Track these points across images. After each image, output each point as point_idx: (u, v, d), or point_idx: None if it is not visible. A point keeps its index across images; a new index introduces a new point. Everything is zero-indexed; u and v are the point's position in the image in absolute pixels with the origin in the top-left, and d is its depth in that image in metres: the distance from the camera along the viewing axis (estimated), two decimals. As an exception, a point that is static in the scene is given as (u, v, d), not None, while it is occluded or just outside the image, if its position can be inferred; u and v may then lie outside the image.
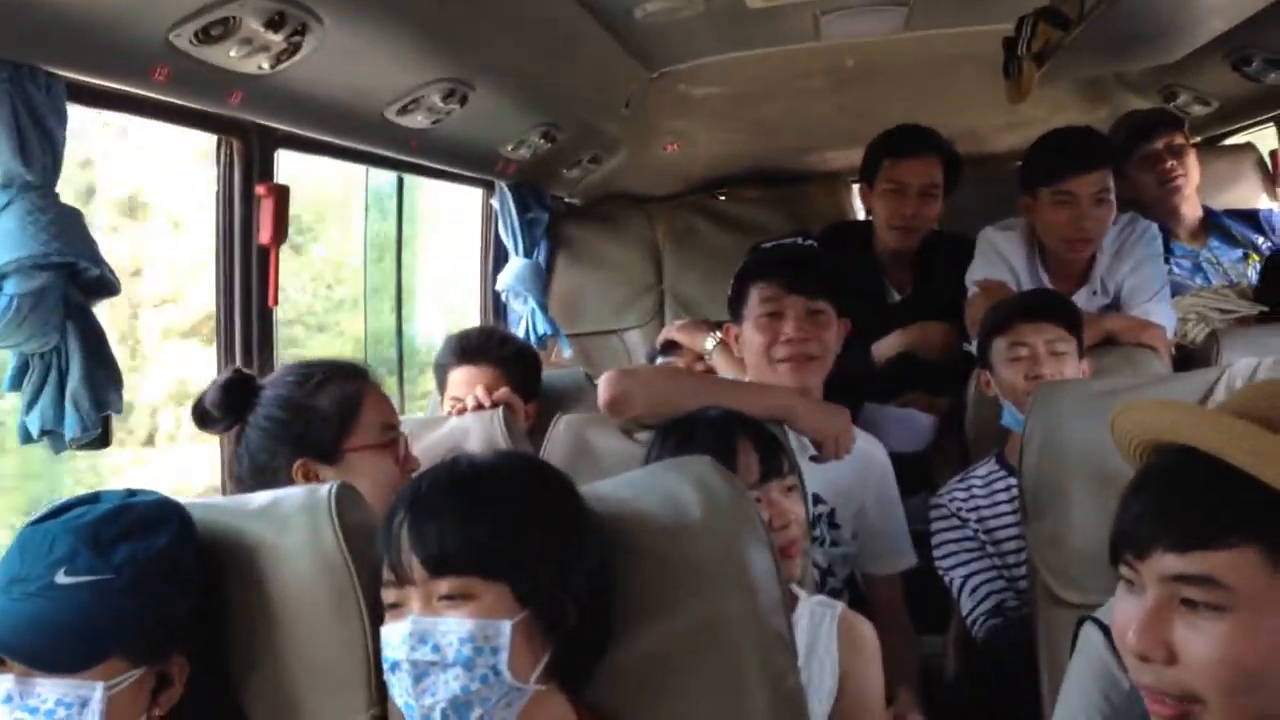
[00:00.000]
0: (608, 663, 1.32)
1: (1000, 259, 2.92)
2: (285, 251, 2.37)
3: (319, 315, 3.86)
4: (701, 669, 1.31)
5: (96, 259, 1.73)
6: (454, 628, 1.18)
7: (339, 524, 1.38)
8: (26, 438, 1.76)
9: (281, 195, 2.29)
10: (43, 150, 1.63)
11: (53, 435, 1.76)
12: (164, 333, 3.19)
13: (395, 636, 1.21)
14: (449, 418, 2.29)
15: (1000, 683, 2.12)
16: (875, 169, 3.15)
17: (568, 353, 3.86)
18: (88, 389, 1.72)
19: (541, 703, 1.24)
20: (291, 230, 2.35)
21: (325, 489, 1.42)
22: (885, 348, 2.99)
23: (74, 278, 1.72)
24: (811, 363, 2.34)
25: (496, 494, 1.25)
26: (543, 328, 3.81)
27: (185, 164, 2.79)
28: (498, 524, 1.22)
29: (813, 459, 2.15)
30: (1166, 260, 3.18)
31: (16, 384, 1.75)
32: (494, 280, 3.84)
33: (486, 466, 1.29)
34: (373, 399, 1.82)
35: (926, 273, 3.20)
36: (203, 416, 1.79)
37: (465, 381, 2.48)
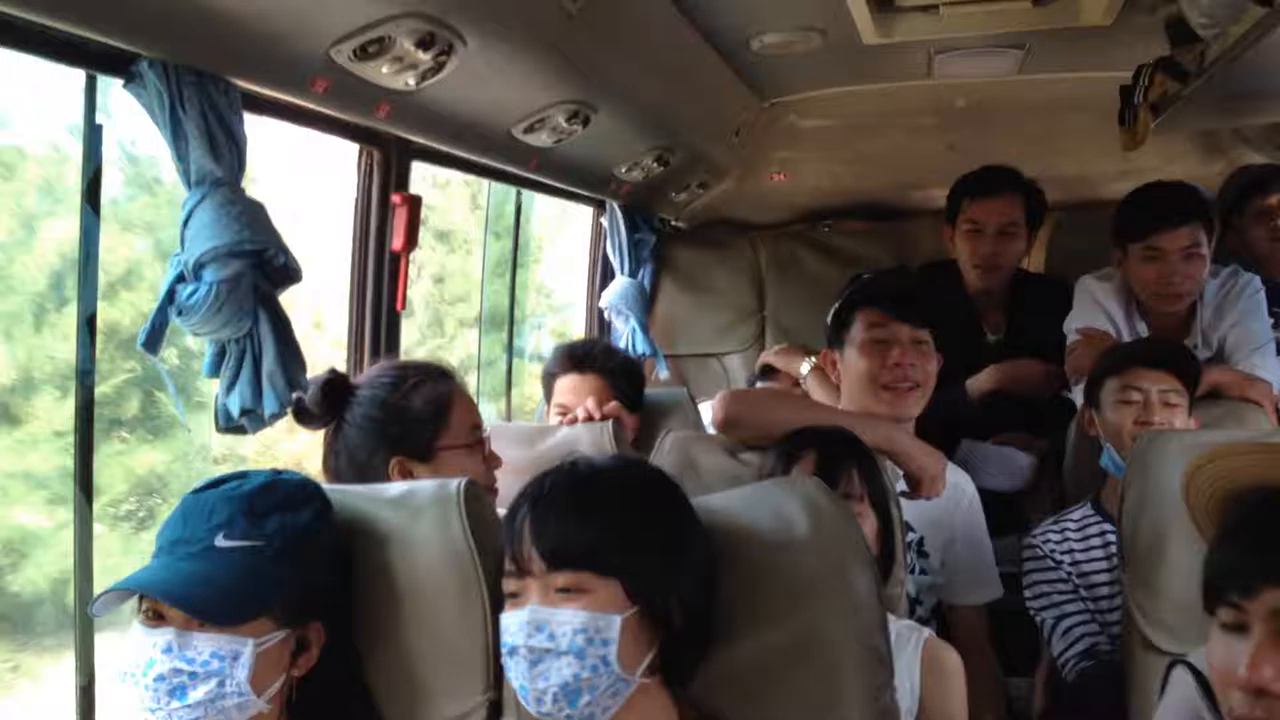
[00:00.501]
0: (712, 666, 1.39)
1: (1099, 308, 2.93)
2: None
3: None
4: (801, 679, 1.38)
5: (283, 247, 1.86)
6: (569, 619, 1.26)
7: (466, 516, 1.47)
8: (228, 419, 1.89)
9: (414, 205, 2.40)
10: (229, 149, 1.75)
11: (250, 415, 1.88)
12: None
13: (514, 624, 1.28)
14: (559, 427, 2.38)
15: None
16: (956, 209, 3.20)
17: (664, 374, 3.94)
18: (281, 370, 1.85)
19: (646, 695, 1.31)
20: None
21: (455, 484, 1.52)
22: (981, 382, 3.02)
23: (262, 266, 1.85)
24: (915, 391, 2.40)
25: (614, 495, 1.33)
26: (642, 347, 3.89)
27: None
28: (614, 524, 1.30)
29: (903, 494, 2.20)
30: (1277, 315, 3.16)
31: (215, 370, 1.87)
32: (598, 298, 3.94)
33: (605, 469, 1.38)
34: (461, 400, 1.91)
35: (1019, 312, 3.22)
36: (301, 414, 1.89)
37: (572, 389, 2.57)
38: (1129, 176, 3.90)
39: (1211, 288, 2.91)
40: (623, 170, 3.41)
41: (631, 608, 1.28)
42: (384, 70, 1.96)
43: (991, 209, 3.16)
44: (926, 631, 1.95)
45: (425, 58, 1.98)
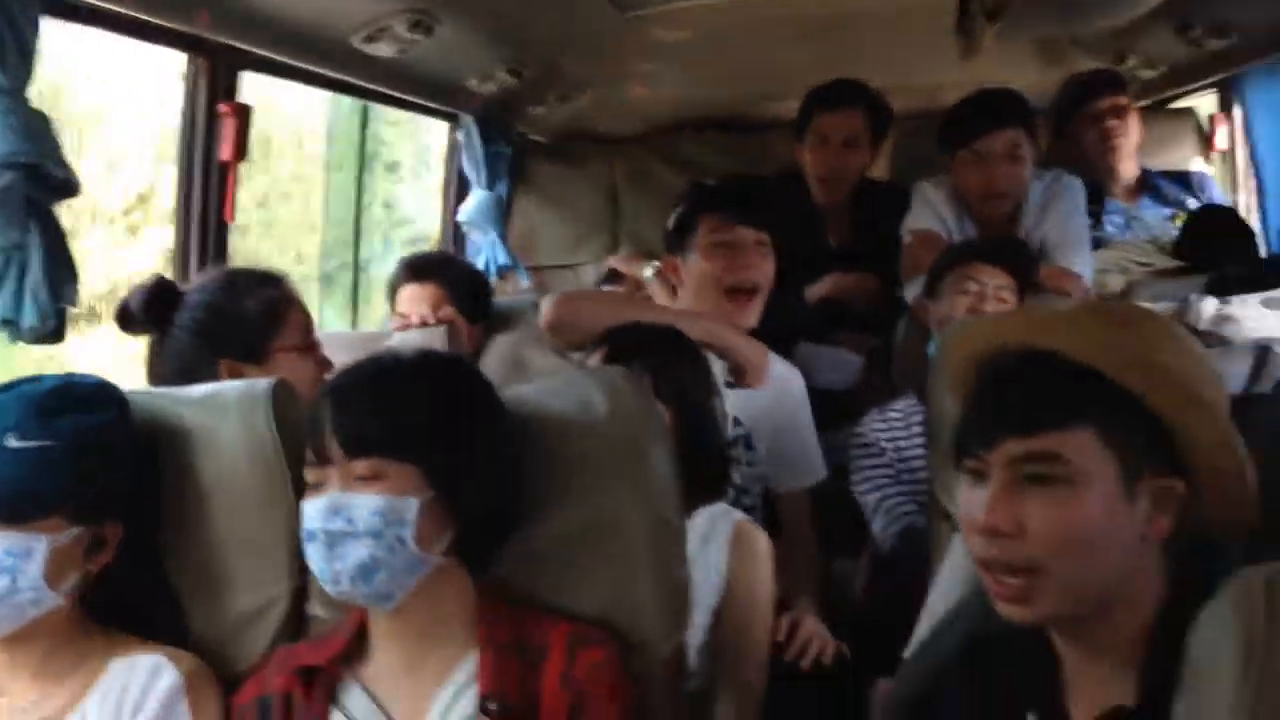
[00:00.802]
0: (515, 547, 1.45)
1: (932, 211, 3.06)
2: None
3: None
4: (599, 554, 1.45)
5: (61, 161, 1.83)
6: (366, 502, 1.31)
7: (274, 414, 1.51)
8: None
9: (243, 114, 2.39)
10: (16, 57, 1.72)
11: (9, 325, 1.86)
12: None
13: (313, 509, 1.33)
14: (391, 334, 2.41)
15: (902, 596, 2.28)
16: (806, 121, 3.28)
17: (526, 283, 3.98)
18: (47, 283, 1.83)
19: (443, 575, 1.37)
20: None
21: (264, 383, 1.55)
22: (818, 291, 3.13)
23: (39, 179, 1.82)
24: (756, 296, 2.49)
25: (412, 384, 1.38)
26: (503, 259, 3.92)
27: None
28: (410, 410, 1.35)
29: (728, 384, 2.29)
30: (1101, 216, 3.33)
31: None
32: (455, 212, 3.95)
33: (407, 361, 1.42)
34: (295, 304, 1.93)
35: (862, 221, 3.33)
36: (126, 318, 1.88)
37: (412, 298, 2.60)
38: (975, 84, 4.02)
39: (1036, 190, 3.05)
40: (474, 83, 3.40)
41: (429, 492, 1.33)
42: (199, -28, 1.95)
43: (835, 122, 3.25)
44: (737, 515, 2.03)
45: (245, -39, 1.97)
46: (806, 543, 2.50)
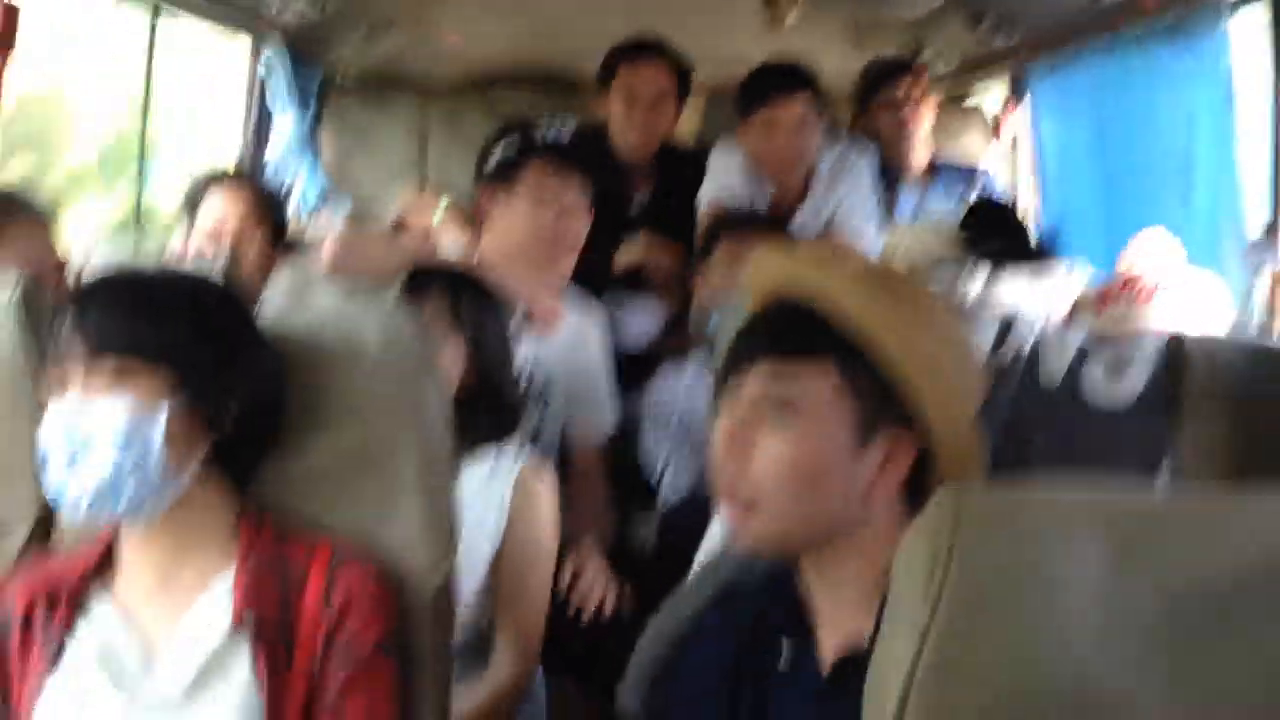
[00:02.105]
0: (280, 468, 1.42)
1: (726, 177, 3.12)
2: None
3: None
4: (366, 482, 1.43)
5: None
6: (112, 406, 1.23)
7: (23, 320, 1.42)
8: None
9: (10, 13, 2.22)
10: None
11: None
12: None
13: (53, 416, 1.25)
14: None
15: (686, 555, 2.33)
16: (611, 74, 3.27)
17: (341, 214, 3.84)
18: None
19: (198, 494, 1.32)
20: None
21: (9, 290, 1.45)
22: (624, 259, 3.15)
23: None
24: (573, 251, 2.52)
25: (163, 289, 1.31)
26: (321, 184, 3.78)
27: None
28: (160, 313, 1.28)
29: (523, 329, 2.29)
30: (892, 201, 3.46)
31: None
32: (256, 141, 3.78)
33: (159, 270, 1.36)
34: (18, 234, 1.85)
35: (664, 180, 3.35)
36: None
37: (218, 206, 2.49)
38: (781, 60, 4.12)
39: (828, 160, 3.15)
40: (274, 8, 3.26)
41: (179, 399, 1.27)
42: None
43: (645, 77, 3.24)
44: (524, 458, 2.03)
45: None
46: (595, 487, 2.54)
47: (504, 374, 2.08)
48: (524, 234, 2.48)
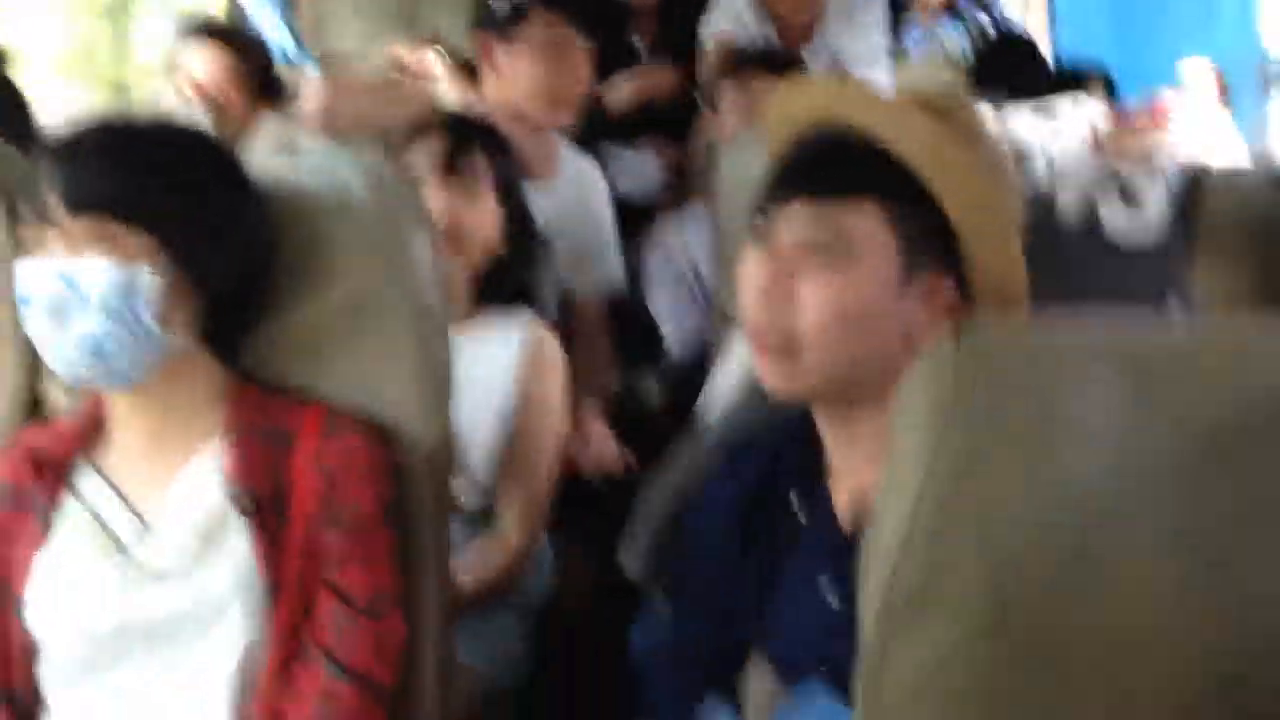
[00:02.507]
0: (271, 331, 1.37)
1: (731, 11, 3.01)
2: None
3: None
4: (357, 338, 1.38)
5: None
6: (94, 267, 1.18)
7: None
8: None
9: None
10: None
11: None
12: None
13: (31, 270, 1.20)
14: None
15: (691, 404, 2.31)
16: None
17: (311, 70, 3.71)
18: None
19: (188, 357, 1.28)
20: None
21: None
22: (616, 93, 3.05)
23: None
24: (577, 104, 2.45)
25: (147, 143, 1.25)
26: (290, 46, 3.64)
27: None
28: (145, 169, 1.22)
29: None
30: (900, 34, 3.34)
31: None
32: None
33: (141, 120, 1.30)
34: None
35: (669, 20, 3.24)
36: None
37: (197, 60, 2.41)
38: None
39: None
40: None
41: (164, 261, 1.22)
42: None
43: None
44: (533, 322, 2.00)
45: None
46: (599, 348, 2.49)
47: (532, 232, 2.04)
48: (526, 89, 2.40)
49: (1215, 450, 0.64)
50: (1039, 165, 1.46)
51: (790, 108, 1.26)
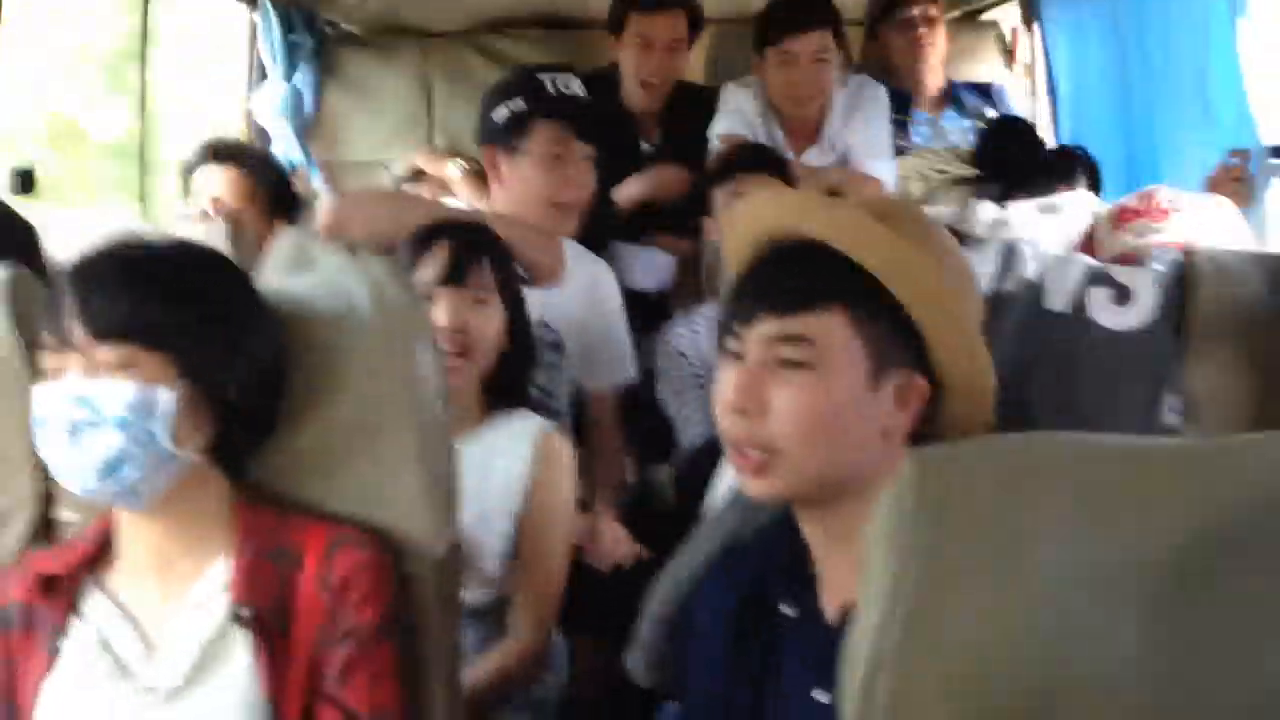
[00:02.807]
0: (278, 448, 1.39)
1: (739, 114, 3.08)
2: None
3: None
4: (363, 452, 1.40)
5: None
6: (114, 391, 1.21)
7: (10, 302, 1.41)
8: None
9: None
10: None
11: None
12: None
13: (49, 393, 1.23)
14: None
15: (697, 498, 2.32)
16: (621, 21, 3.23)
17: (316, 181, 3.82)
18: None
19: (198, 475, 1.30)
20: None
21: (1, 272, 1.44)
22: (627, 192, 3.11)
23: None
24: (581, 211, 2.49)
25: (164, 268, 1.29)
26: (296, 155, 3.76)
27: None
28: (163, 295, 1.26)
29: (523, 282, 2.26)
30: (907, 125, 3.40)
31: None
32: (252, 101, 3.76)
33: (158, 244, 1.33)
34: None
35: (674, 123, 3.32)
36: None
37: (213, 181, 2.49)
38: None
39: (841, 96, 3.11)
40: (272, -33, 3.22)
41: (184, 384, 1.25)
42: None
43: (660, 24, 3.21)
44: (541, 423, 2.04)
45: None
46: (612, 443, 2.52)
47: (530, 335, 2.09)
48: (531, 198, 2.45)
49: (1174, 575, 0.65)
50: (1031, 255, 1.49)
51: (748, 223, 1.31)
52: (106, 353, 1.23)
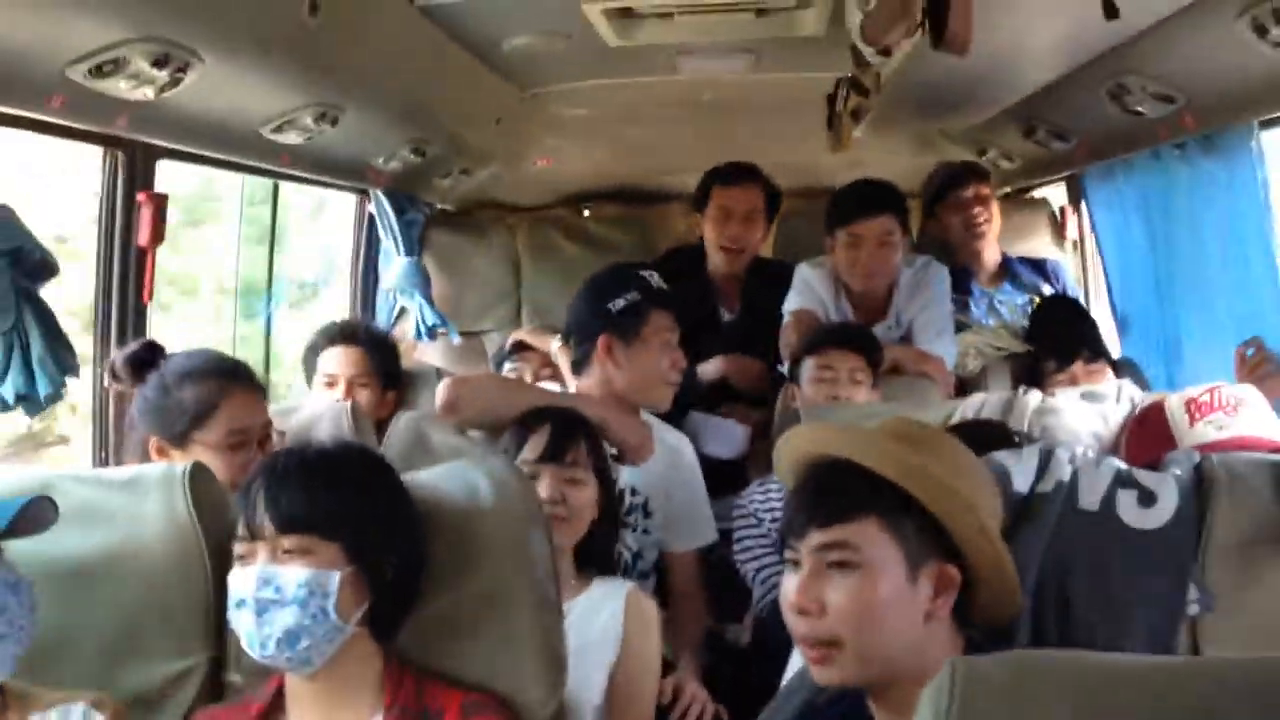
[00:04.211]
0: (414, 620, 1.62)
1: (811, 292, 3.33)
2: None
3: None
4: (487, 625, 1.63)
5: (36, 245, 2.03)
6: (294, 574, 1.48)
7: (190, 495, 1.68)
8: (4, 406, 2.05)
9: (160, 203, 2.54)
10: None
11: (26, 401, 2.05)
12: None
13: (244, 579, 1.49)
14: (301, 407, 2.60)
15: (779, 659, 2.49)
16: (706, 196, 3.56)
17: (457, 339, 4.15)
18: (51, 356, 2.03)
19: (357, 643, 1.54)
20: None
21: (180, 467, 1.72)
22: (709, 371, 3.37)
23: (20, 264, 2.01)
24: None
25: (336, 471, 1.56)
26: (432, 319, 4.10)
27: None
28: (336, 496, 1.52)
29: (614, 459, 2.50)
30: (966, 300, 3.62)
31: None
32: (364, 280, 4.12)
33: (329, 450, 1.61)
34: (231, 404, 2.11)
35: (752, 295, 3.59)
36: (113, 375, 2.19)
37: (337, 360, 2.80)
38: (855, 167, 4.25)
39: (906, 275, 3.34)
40: (379, 161, 3.59)
41: (349, 567, 1.50)
42: (121, 86, 2.11)
43: (739, 196, 3.54)
44: (629, 585, 2.25)
45: (162, 74, 2.14)
46: (694, 603, 2.70)
47: (617, 507, 2.33)
48: (653, 378, 2.66)
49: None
50: (1066, 457, 1.69)
51: (792, 449, 1.56)
52: (288, 542, 1.50)
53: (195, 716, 1.61)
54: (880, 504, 1.42)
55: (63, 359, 2.11)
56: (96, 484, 1.73)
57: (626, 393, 2.64)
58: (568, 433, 2.27)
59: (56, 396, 2.11)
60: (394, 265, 4.11)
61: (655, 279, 2.71)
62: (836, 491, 1.45)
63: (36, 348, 2.05)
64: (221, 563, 1.58)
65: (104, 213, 2.50)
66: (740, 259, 3.58)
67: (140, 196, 2.53)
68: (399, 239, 4.04)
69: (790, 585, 1.44)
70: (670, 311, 2.68)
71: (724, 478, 3.06)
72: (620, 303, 2.70)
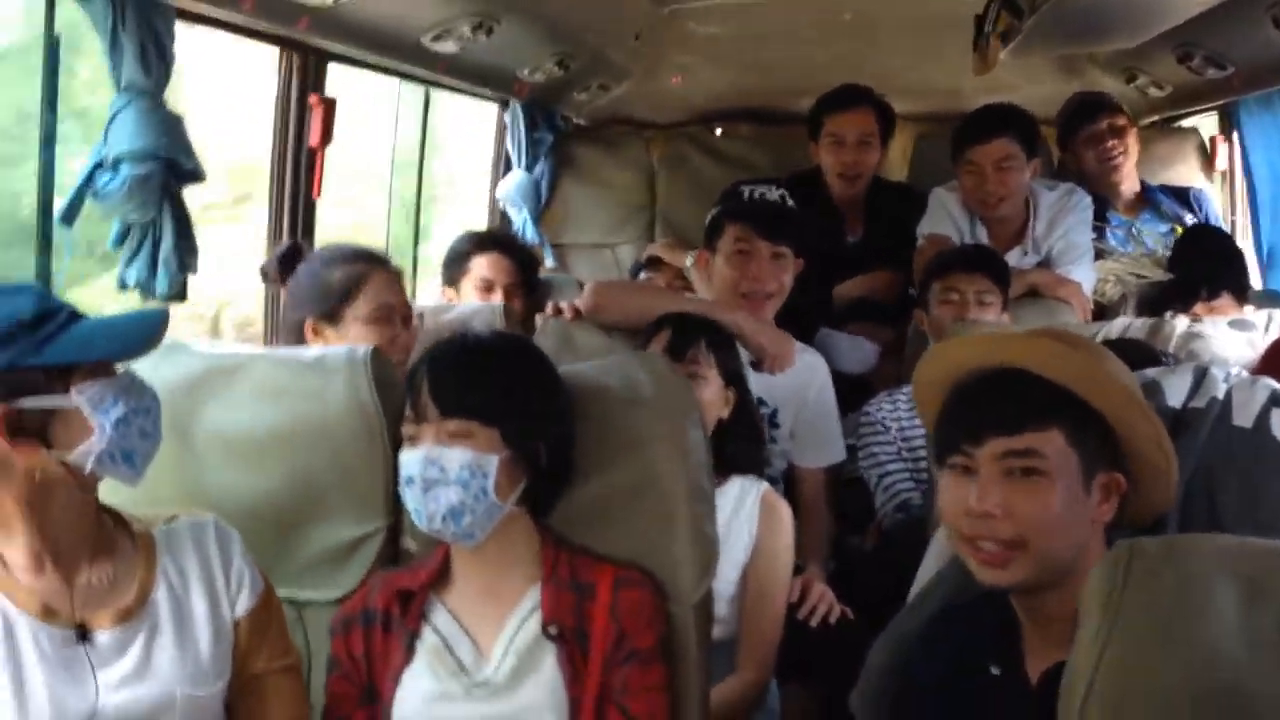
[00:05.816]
0: (569, 501, 1.72)
1: (947, 216, 3.32)
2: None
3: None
4: (642, 511, 1.73)
5: (192, 155, 2.16)
6: (457, 456, 1.58)
7: (372, 375, 1.80)
8: (121, 286, 2.21)
9: (329, 106, 2.67)
10: (158, 65, 2.03)
11: (144, 289, 2.20)
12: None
13: (412, 459, 1.60)
14: (454, 306, 2.73)
15: (899, 562, 2.55)
16: (819, 125, 3.56)
17: (550, 262, 4.25)
18: (176, 254, 2.17)
19: (514, 521, 1.65)
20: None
21: (362, 349, 1.84)
22: (846, 290, 3.41)
23: (173, 169, 2.14)
24: (770, 300, 2.73)
25: (495, 359, 1.66)
26: (532, 236, 4.21)
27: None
28: (495, 383, 1.62)
29: (752, 365, 2.57)
30: (1103, 229, 3.58)
31: (119, 242, 2.19)
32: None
33: (488, 339, 1.71)
34: (374, 282, 2.24)
35: (875, 217, 3.61)
36: (265, 275, 2.34)
37: (490, 265, 2.93)
38: (994, 92, 4.18)
39: (1048, 200, 3.32)
40: (525, 73, 3.67)
41: (506, 450, 1.60)
42: (304, -12, 2.23)
43: (849, 121, 3.53)
44: (764, 485, 2.33)
45: (340, -20, 2.25)
46: (821, 517, 2.76)
47: (754, 410, 2.39)
48: (722, 290, 2.74)
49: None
50: (1220, 376, 1.70)
51: (947, 359, 1.57)
52: (451, 425, 1.60)
53: (374, 576, 1.74)
54: (1066, 413, 1.44)
55: (187, 258, 2.24)
56: (284, 363, 1.86)
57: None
58: (689, 333, 2.35)
59: (175, 292, 2.24)
60: (510, 176, 4.20)
61: (755, 192, 2.73)
62: (1021, 399, 1.46)
63: (165, 245, 2.19)
64: (398, 438, 1.68)
65: (278, 113, 2.64)
66: (858, 184, 3.59)
67: (312, 99, 2.66)
68: (523, 152, 4.13)
69: (963, 493, 1.46)
70: (747, 223, 2.71)
71: (850, 394, 3.11)
72: (707, 218, 2.77)
